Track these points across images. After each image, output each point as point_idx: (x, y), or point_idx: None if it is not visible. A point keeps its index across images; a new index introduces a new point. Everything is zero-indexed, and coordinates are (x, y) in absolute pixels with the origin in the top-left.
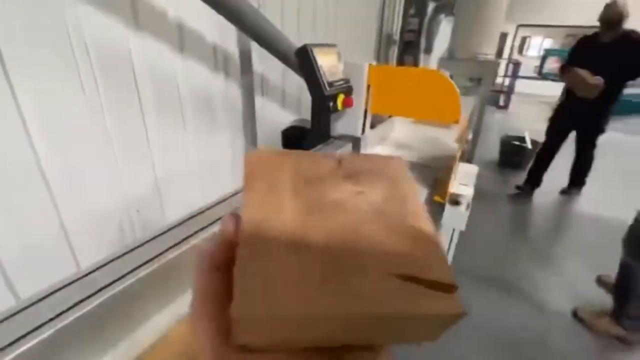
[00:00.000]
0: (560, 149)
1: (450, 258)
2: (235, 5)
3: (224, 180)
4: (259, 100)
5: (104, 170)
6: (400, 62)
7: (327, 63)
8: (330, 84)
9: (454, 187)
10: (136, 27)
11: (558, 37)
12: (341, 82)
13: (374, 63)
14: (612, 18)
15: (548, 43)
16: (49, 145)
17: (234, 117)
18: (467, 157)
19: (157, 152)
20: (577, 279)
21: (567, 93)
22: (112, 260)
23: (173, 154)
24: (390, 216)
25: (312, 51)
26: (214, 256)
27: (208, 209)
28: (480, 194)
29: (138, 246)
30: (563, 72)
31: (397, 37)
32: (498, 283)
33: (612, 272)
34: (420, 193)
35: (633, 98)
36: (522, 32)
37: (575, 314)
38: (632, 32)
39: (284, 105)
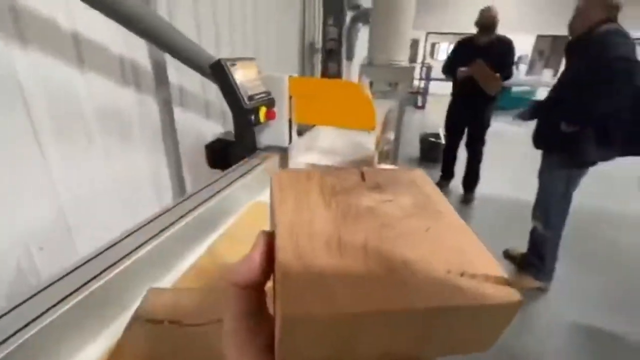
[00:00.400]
0: (460, 143)
1: None
2: (144, 21)
3: (146, 200)
4: (179, 113)
5: None
6: (325, 69)
7: (245, 77)
8: (251, 98)
9: None
10: (21, 42)
11: None
12: (262, 95)
13: (296, 74)
14: (486, 23)
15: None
16: None
17: (152, 132)
18: (392, 156)
19: (60, 181)
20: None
21: (457, 90)
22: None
23: (81, 179)
24: (425, 216)
25: (227, 65)
26: (246, 275)
27: (127, 235)
28: None
29: (44, 288)
30: (470, 66)
31: (319, 45)
32: None
33: (515, 245)
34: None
35: (513, 94)
36: (432, 39)
37: (506, 254)
38: (503, 37)
39: (207, 116)
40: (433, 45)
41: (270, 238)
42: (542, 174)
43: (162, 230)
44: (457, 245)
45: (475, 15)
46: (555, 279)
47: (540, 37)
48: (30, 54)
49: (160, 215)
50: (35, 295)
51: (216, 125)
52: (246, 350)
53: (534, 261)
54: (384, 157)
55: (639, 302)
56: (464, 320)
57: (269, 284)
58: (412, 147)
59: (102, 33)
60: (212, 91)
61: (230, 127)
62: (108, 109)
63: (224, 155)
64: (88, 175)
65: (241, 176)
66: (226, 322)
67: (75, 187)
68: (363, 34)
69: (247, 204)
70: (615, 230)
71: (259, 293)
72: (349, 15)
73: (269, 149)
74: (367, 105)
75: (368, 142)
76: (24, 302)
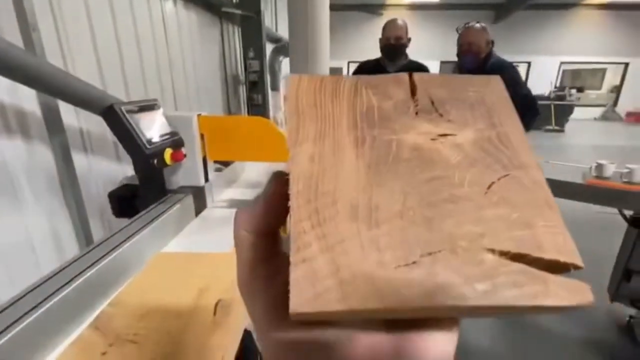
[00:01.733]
0: None
1: None
2: (25, 67)
3: (45, 263)
4: (82, 160)
5: None
6: (250, 100)
7: (145, 119)
8: (150, 142)
9: None
10: None
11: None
12: (167, 137)
13: (221, 108)
14: (396, 45)
15: None
16: None
17: (47, 185)
18: None
19: None
20: None
21: None
22: None
23: None
24: (491, 165)
25: (121, 110)
26: (258, 221)
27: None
28: None
29: None
30: None
31: (242, 77)
32: None
33: None
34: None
35: None
36: (353, 67)
37: None
38: (418, 63)
39: (119, 159)
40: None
41: (284, 179)
42: None
43: (41, 302)
44: (525, 217)
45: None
46: None
47: (443, 63)
48: None
49: (43, 282)
50: None
51: (129, 167)
52: (261, 299)
53: None
54: None
55: None
56: (515, 312)
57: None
58: None
59: None
60: None
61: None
62: None
63: (131, 202)
64: None
65: (147, 224)
66: (239, 271)
67: None
68: (286, 65)
69: (152, 256)
70: None
71: (272, 238)
72: (270, 48)
73: (183, 189)
74: (280, 139)
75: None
76: None
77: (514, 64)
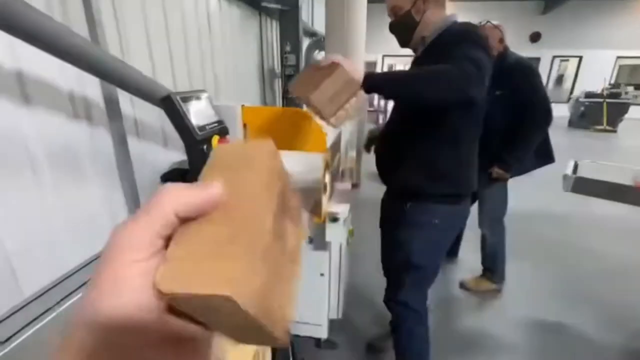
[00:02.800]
0: None
1: (342, 267)
2: (95, 59)
3: (103, 236)
4: (135, 145)
5: None
6: (286, 93)
7: (196, 108)
8: (202, 128)
9: (331, 207)
10: None
11: None
12: (214, 125)
13: (258, 100)
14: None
15: None
16: None
17: (107, 166)
18: (356, 173)
19: (3, 221)
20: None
21: None
22: None
23: (27, 218)
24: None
25: (177, 99)
26: (190, 209)
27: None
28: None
29: None
30: None
31: (278, 71)
32: None
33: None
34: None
35: None
36: (388, 60)
37: (461, 285)
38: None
39: (166, 146)
40: (390, 66)
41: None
42: (484, 188)
43: None
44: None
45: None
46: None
47: None
48: None
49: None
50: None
51: (176, 153)
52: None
53: (489, 266)
54: (348, 174)
55: (578, 292)
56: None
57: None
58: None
59: (50, 69)
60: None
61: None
62: (59, 145)
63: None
64: (38, 214)
65: None
66: (142, 232)
67: (24, 227)
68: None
69: None
70: (547, 228)
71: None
72: (306, 42)
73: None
74: (317, 129)
75: (318, 161)
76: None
77: (534, 66)
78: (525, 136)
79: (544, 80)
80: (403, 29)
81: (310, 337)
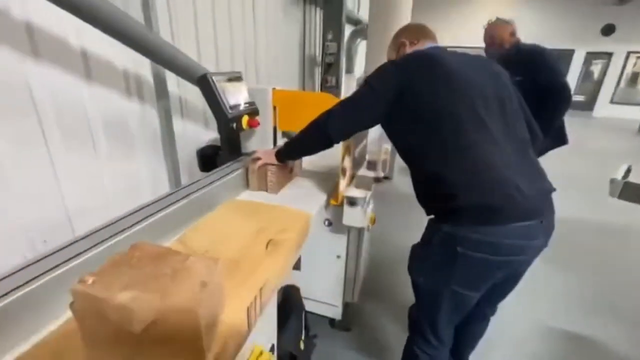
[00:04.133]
0: None
1: (361, 250)
2: (144, 40)
3: (144, 198)
4: (178, 123)
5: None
6: (324, 82)
7: (230, 88)
8: (234, 107)
9: (349, 191)
10: (34, 55)
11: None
12: (246, 105)
13: (296, 86)
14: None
15: None
16: None
17: (152, 141)
18: (390, 165)
19: (66, 183)
20: None
21: None
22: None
23: (85, 182)
24: None
25: (212, 79)
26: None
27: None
28: (398, 195)
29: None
30: None
31: (319, 59)
32: (405, 239)
33: None
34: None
35: None
36: None
37: None
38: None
39: (206, 125)
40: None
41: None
42: None
43: (145, 217)
44: None
45: (474, 29)
46: (532, 283)
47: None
48: (42, 69)
49: (148, 205)
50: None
51: (213, 132)
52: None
53: None
54: (380, 165)
55: (611, 304)
56: None
57: None
58: None
59: (109, 49)
60: None
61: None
62: (114, 119)
63: (213, 159)
64: (93, 179)
65: (222, 177)
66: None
67: (81, 189)
68: (363, 47)
69: (224, 201)
70: (588, 236)
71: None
72: (349, 30)
73: (254, 153)
74: None
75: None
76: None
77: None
78: (547, 120)
79: (616, 78)
80: None
81: (324, 317)
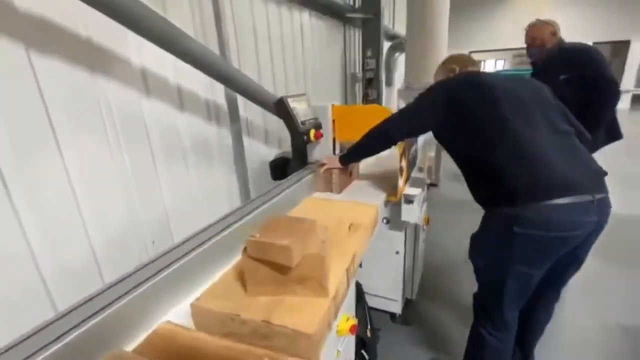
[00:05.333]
0: None
1: (418, 246)
2: (227, 72)
3: (223, 209)
4: (246, 141)
5: (123, 207)
6: (366, 95)
7: (299, 107)
8: (303, 123)
9: (406, 190)
10: (147, 93)
11: (508, 57)
12: (312, 120)
13: (339, 101)
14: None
15: (500, 64)
16: (85, 189)
17: (226, 157)
18: (435, 172)
19: (166, 190)
20: None
21: None
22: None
23: (179, 191)
24: None
25: (287, 101)
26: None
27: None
28: (446, 201)
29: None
30: None
31: (360, 75)
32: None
33: None
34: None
35: None
36: (476, 57)
37: None
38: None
39: (266, 142)
40: (479, 62)
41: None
42: None
43: (238, 219)
44: None
45: (518, 28)
46: (595, 281)
47: (597, 44)
48: (151, 101)
49: (252, 201)
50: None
51: (273, 148)
52: None
53: None
54: (426, 172)
55: None
56: None
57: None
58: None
59: (195, 84)
60: (272, 122)
61: (282, 149)
62: (199, 139)
63: (283, 169)
64: (184, 188)
65: (298, 180)
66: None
67: (176, 196)
68: (401, 62)
69: (303, 200)
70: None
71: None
72: (386, 45)
73: (317, 161)
74: None
75: (393, 153)
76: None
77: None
78: (596, 115)
79: None
80: None
81: (385, 312)
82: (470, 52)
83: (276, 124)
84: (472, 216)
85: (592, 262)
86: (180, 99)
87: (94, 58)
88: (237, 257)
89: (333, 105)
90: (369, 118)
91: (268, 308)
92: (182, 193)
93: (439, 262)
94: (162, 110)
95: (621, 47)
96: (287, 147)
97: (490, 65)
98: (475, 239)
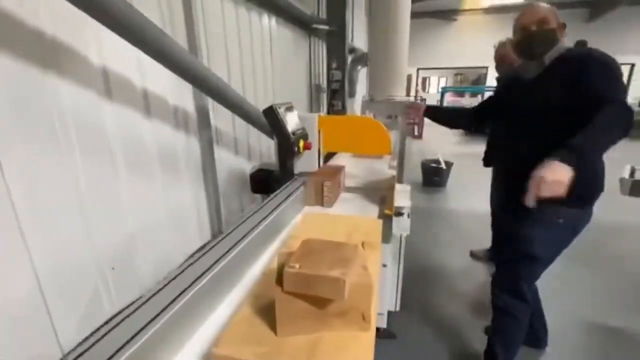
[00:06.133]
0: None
1: (401, 258)
2: (217, 85)
3: (190, 228)
4: (216, 151)
5: (77, 228)
6: (331, 106)
7: (289, 117)
8: (293, 133)
9: (397, 202)
10: (109, 97)
11: (449, 76)
12: (300, 131)
13: (306, 110)
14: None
15: (443, 82)
16: (30, 208)
17: (195, 168)
18: (397, 181)
19: (129, 208)
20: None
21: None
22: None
23: (144, 207)
24: None
25: (277, 110)
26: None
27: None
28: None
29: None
30: None
31: (324, 86)
32: (431, 252)
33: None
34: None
35: None
36: (422, 74)
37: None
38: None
39: (236, 153)
40: (424, 79)
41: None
42: None
43: (243, 237)
44: None
45: (460, 50)
46: (569, 280)
47: None
48: (113, 106)
49: (246, 219)
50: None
51: (244, 160)
52: None
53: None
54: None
55: (636, 299)
56: None
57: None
58: (414, 172)
59: (164, 89)
60: (240, 131)
61: (254, 160)
62: (166, 149)
63: (265, 182)
64: (150, 204)
65: (290, 194)
66: None
67: (141, 214)
68: (362, 73)
69: (300, 215)
70: (603, 235)
71: None
72: (349, 59)
73: (302, 174)
74: (383, 133)
75: (381, 166)
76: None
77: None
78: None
79: None
80: (543, 41)
81: None
82: (419, 69)
83: (245, 132)
84: (440, 223)
85: (559, 263)
86: (147, 104)
87: (47, 53)
88: (241, 288)
89: (320, 115)
90: (357, 128)
91: (308, 349)
92: (148, 211)
93: (417, 270)
94: (125, 116)
95: None
96: (256, 159)
97: (434, 82)
98: (532, 232)
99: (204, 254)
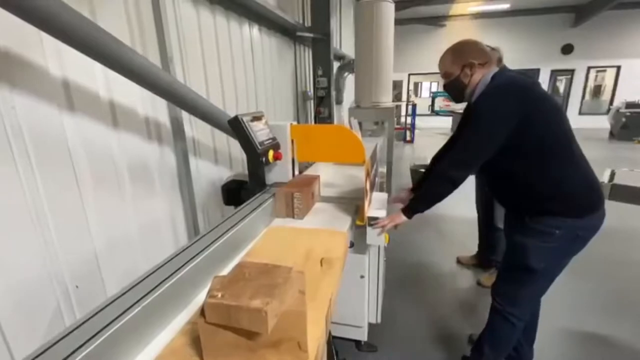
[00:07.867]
0: None
1: (380, 268)
2: (179, 92)
3: (165, 241)
4: (193, 162)
5: (36, 246)
6: (318, 113)
7: (256, 127)
8: (261, 143)
9: (370, 212)
10: (70, 109)
11: (441, 81)
12: (270, 141)
13: (292, 119)
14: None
15: (434, 87)
16: None
17: (170, 180)
18: (386, 188)
19: (95, 223)
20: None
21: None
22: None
23: (112, 222)
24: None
25: (243, 120)
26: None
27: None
28: None
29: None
30: None
31: (311, 93)
32: (416, 259)
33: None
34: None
35: None
36: (413, 79)
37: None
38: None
39: (216, 162)
40: (416, 85)
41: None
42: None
43: (200, 251)
44: None
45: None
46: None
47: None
48: (75, 118)
49: (207, 233)
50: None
51: (224, 170)
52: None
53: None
54: (378, 189)
55: (618, 303)
56: None
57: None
58: (403, 177)
59: (133, 99)
60: (220, 140)
61: (235, 170)
62: (137, 161)
63: (237, 193)
64: (119, 218)
65: (258, 206)
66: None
67: (108, 229)
68: (349, 80)
69: (265, 229)
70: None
71: None
72: (336, 65)
73: (275, 184)
74: (356, 142)
75: (360, 174)
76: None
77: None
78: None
79: (581, 92)
80: (454, 90)
81: (350, 340)
82: (410, 75)
83: (226, 142)
84: (427, 228)
85: None
86: (114, 115)
87: None
88: (187, 313)
89: (292, 124)
90: (331, 137)
91: None
92: (116, 226)
93: (402, 277)
94: (90, 129)
95: (534, 75)
96: (237, 168)
97: (426, 88)
98: (531, 245)
99: (149, 274)
